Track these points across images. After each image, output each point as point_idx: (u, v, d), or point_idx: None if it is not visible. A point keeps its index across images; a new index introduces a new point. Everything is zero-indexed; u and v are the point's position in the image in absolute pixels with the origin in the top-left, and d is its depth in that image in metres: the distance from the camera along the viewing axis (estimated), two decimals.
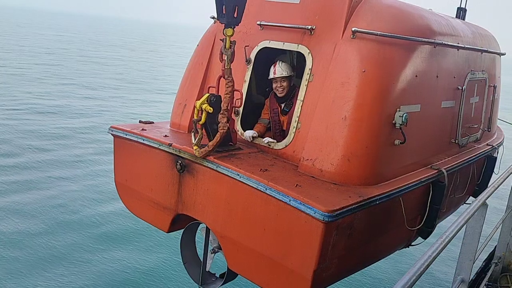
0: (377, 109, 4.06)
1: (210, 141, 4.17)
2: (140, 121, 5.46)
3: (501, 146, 7.26)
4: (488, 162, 6.83)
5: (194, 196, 4.37)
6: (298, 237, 3.58)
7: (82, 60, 40.48)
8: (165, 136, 4.77)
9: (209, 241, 4.77)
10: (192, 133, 4.28)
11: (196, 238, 5.13)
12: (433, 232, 5.16)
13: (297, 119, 4.37)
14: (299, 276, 3.61)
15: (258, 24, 4.79)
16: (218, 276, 4.98)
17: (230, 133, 4.39)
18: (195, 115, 4.20)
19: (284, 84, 4.91)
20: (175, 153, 4.43)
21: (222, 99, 4.15)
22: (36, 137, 16.58)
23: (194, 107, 4.25)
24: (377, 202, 3.85)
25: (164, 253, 9.50)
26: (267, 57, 5.06)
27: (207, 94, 4.19)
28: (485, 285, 5.70)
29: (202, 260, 4.91)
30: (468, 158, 5.76)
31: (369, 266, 4.79)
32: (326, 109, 4.13)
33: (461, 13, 7.53)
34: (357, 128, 4.01)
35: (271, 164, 4.21)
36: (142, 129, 4.96)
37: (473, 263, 4.37)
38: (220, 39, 4.17)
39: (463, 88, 5.42)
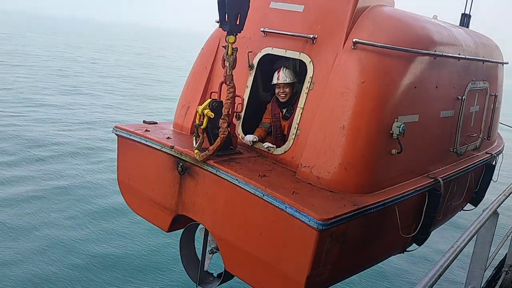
0: (375, 119, 4.14)
1: (211, 145, 4.28)
2: (144, 121, 5.57)
3: (501, 154, 7.32)
4: (487, 170, 6.89)
5: (194, 198, 4.48)
6: (293, 243, 3.68)
7: None
8: (168, 138, 4.88)
9: (208, 242, 4.90)
10: (194, 137, 4.38)
11: (195, 238, 5.26)
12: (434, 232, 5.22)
13: (296, 126, 4.46)
14: (293, 281, 3.72)
15: (261, 31, 4.87)
16: (215, 276, 5.10)
17: (230, 137, 4.48)
18: (197, 120, 4.30)
19: (287, 90, 4.99)
20: (177, 155, 4.53)
21: (224, 104, 4.25)
22: None
23: (196, 111, 4.35)
24: (372, 211, 3.94)
25: None
26: (270, 62, 5.14)
27: (209, 100, 4.28)
28: None
29: (200, 260, 5.03)
30: (466, 166, 5.82)
31: (365, 270, 4.90)
32: (325, 118, 4.22)
33: (465, 19, 7.58)
34: (355, 138, 4.09)
35: (270, 170, 4.31)
36: (146, 130, 5.08)
37: (484, 272, 4.41)
38: (223, 46, 4.26)
39: (463, 98, 5.48)
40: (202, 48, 5.56)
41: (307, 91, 4.44)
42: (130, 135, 5.05)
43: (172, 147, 4.57)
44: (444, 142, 5.43)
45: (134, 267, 9.14)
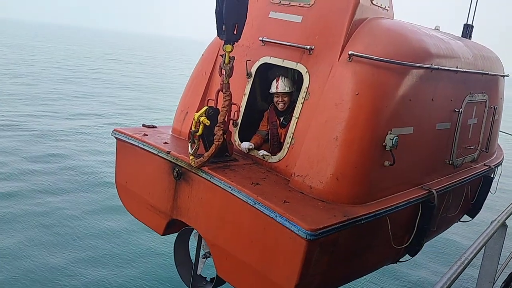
0: (368, 131, 4.18)
1: (206, 151, 4.34)
2: (143, 125, 5.66)
3: (500, 166, 7.31)
4: (485, 182, 6.89)
5: (188, 203, 4.55)
6: (282, 252, 3.73)
7: None
8: (165, 142, 4.96)
9: (201, 246, 4.96)
10: (189, 143, 4.45)
11: (189, 242, 5.32)
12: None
13: (291, 135, 4.52)
14: None
15: (260, 40, 4.93)
16: (208, 280, 5.16)
17: (226, 144, 4.55)
18: (193, 127, 4.37)
19: (286, 99, 5.05)
20: (173, 161, 4.60)
21: (219, 112, 4.32)
22: None
23: (193, 118, 4.42)
24: (362, 222, 3.97)
25: None
26: (269, 70, 5.20)
27: (206, 107, 4.35)
28: None
29: (193, 263, 5.10)
30: (462, 178, 5.83)
31: (354, 280, 4.93)
32: (319, 128, 4.27)
33: (467, 29, 7.58)
34: (348, 149, 4.13)
35: (264, 178, 4.37)
36: (144, 134, 5.15)
37: (493, 285, 4.38)
38: (220, 55, 4.32)
39: (460, 110, 5.50)
40: (203, 55, 5.63)
41: (302, 101, 4.49)
42: (128, 139, 5.13)
43: (168, 152, 4.64)
44: (439, 154, 5.45)
45: None
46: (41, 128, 19.07)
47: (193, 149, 4.35)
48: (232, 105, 4.40)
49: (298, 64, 4.59)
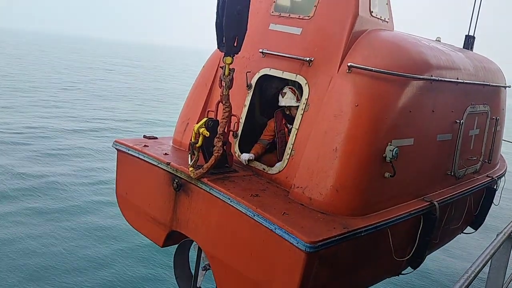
0: (367, 143, 4.17)
1: (206, 163, 4.34)
2: (144, 136, 5.67)
3: (502, 178, 7.26)
4: (487, 193, 6.83)
5: (187, 214, 4.53)
6: (281, 265, 3.70)
7: None
8: (165, 154, 4.96)
9: (201, 258, 4.92)
10: (189, 155, 4.45)
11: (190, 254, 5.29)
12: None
13: (291, 146, 4.51)
14: None
15: (260, 52, 4.96)
16: None
17: (226, 156, 4.54)
18: (192, 138, 4.37)
19: (293, 112, 4.98)
20: (173, 172, 4.60)
21: (219, 123, 4.32)
22: None
23: (193, 130, 4.43)
24: (362, 234, 3.94)
25: None
26: (266, 82, 5.20)
27: (206, 119, 4.36)
28: None
29: (193, 276, 5.06)
30: (464, 190, 5.79)
31: None
32: (318, 140, 4.26)
33: (469, 40, 7.59)
34: (347, 160, 4.12)
35: (263, 189, 4.35)
36: (144, 145, 5.16)
37: None
38: (220, 66, 4.35)
39: (461, 121, 5.48)
40: (204, 66, 5.66)
41: (302, 113, 4.50)
42: (128, 150, 5.13)
43: (168, 164, 4.64)
44: (441, 166, 5.42)
45: None
46: None
47: (193, 161, 4.35)
48: (232, 117, 4.41)
49: (298, 75, 4.60)
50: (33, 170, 14.47)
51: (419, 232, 4.88)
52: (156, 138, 5.70)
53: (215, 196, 4.18)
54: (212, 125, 4.34)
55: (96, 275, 9.01)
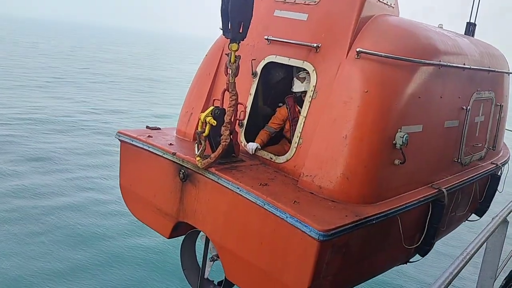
0: (377, 129, 4.11)
1: (213, 152, 4.26)
2: (147, 127, 5.58)
3: (506, 165, 7.25)
4: (492, 180, 6.82)
5: (195, 205, 4.46)
6: (293, 254, 3.65)
7: None
8: (170, 144, 4.88)
9: (209, 249, 4.87)
10: (196, 144, 4.37)
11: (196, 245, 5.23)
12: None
13: (299, 135, 4.44)
14: None
15: (265, 39, 4.87)
16: (216, 283, 5.07)
17: (233, 145, 4.47)
18: (199, 127, 4.29)
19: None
20: (179, 162, 4.52)
21: (226, 112, 4.24)
22: None
23: (199, 118, 4.35)
24: (374, 222, 3.90)
25: None
26: (269, 72, 5.11)
27: (212, 107, 4.28)
28: None
29: (201, 267, 5.01)
30: (471, 177, 5.77)
31: (365, 281, 4.84)
32: (327, 127, 4.19)
33: (470, 28, 7.53)
34: (357, 147, 4.06)
35: (272, 178, 4.29)
36: (148, 136, 5.07)
37: (494, 281, 4.35)
38: (226, 54, 4.26)
39: (468, 108, 5.43)
40: (206, 55, 5.56)
41: (310, 100, 4.42)
42: (132, 141, 5.05)
43: (174, 154, 4.57)
44: (448, 152, 5.38)
45: None
46: None
47: (200, 150, 4.27)
48: (238, 105, 4.33)
49: (305, 62, 4.52)
50: None
51: (428, 219, 4.85)
52: (160, 128, 5.61)
53: (224, 186, 4.11)
54: (218, 113, 4.26)
55: None
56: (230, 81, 4.23)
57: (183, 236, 5.09)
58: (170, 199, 4.70)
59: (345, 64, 4.25)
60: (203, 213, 4.40)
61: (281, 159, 4.58)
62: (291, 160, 4.49)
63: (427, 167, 4.95)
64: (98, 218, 11.38)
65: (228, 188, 4.07)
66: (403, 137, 4.14)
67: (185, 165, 4.48)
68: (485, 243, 3.84)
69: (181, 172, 4.52)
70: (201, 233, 4.82)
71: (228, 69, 4.21)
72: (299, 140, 4.43)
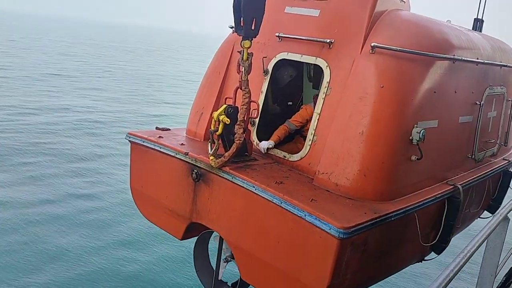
0: (394, 125, 4.04)
1: (226, 151, 4.20)
2: (156, 128, 5.52)
3: None
4: (504, 176, 6.75)
5: (208, 205, 4.40)
6: (312, 252, 3.58)
7: None
8: (182, 144, 4.82)
9: (222, 250, 4.80)
10: (209, 143, 4.31)
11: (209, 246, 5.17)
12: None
13: (313, 132, 4.38)
14: None
15: (277, 36, 4.81)
16: (230, 285, 5.00)
17: (246, 143, 4.41)
18: (212, 126, 4.23)
19: None
20: (191, 162, 4.46)
21: (239, 110, 4.18)
22: None
23: (211, 116, 4.29)
24: (392, 219, 3.83)
25: None
26: (282, 68, 5.06)
27: (225, 105, 4.22)
28: None
29: (214, 268, 4.94)
30: (484, 173, 5.70)
31: (382, 280, 4.77)
32: (343, 123, 4.13)
33: (478, 24, 7.47)
34: (374, 143, 4.00)
35: (286, 176, 4.23)
36: (159, 137, 5.02)
37: (495, 278, 4.30)
38: (238, 51, 4.20)
39: (481, 103, 5.37)
40: (216, 54, 5.51)
41: (324, 97, 4.36)
42: (143, 142, 4.99)
43: (186, 154, 4.51)
44: (462, 148, 5.32)
45: None
46: None
47: (213, 149, 4.22)
48: (251, 103, 4.27)
49: (318, 58, 4.47)
50: None
51: (444, 216, 4.78)
52: (169, 129, 5.56)
53: (238, 185, 4.05)
54: (232, 112, 4.20)
55: None
56: (243, 79, 4.18)
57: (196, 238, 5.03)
58: (182, 200, 4.64)
59: (360, 59, 4.19)
60: (217, 213, 4.34)
61: (295, 157, 4.52)
62: (305, 158, 4.42)
63: (442, 163, 4.88)
64: None
65: (243, 187, 4.00)
66: (420, 133, 4.08)
67: (198, 165, 4.41)
68: (486, 241, 3.78)
69: (193, 172, 4.46)
70: (215, 233, 4.75)
71: (241, 67, 4.16)
72: (313, 138, 4.37)
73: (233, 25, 4.25)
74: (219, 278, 4.94)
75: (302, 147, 4.53)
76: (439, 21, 4.99)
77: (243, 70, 4.16)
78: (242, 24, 4.04)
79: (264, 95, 4.88)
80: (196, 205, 4.52)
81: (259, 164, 4.46)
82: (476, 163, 5.72)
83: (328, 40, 4.39)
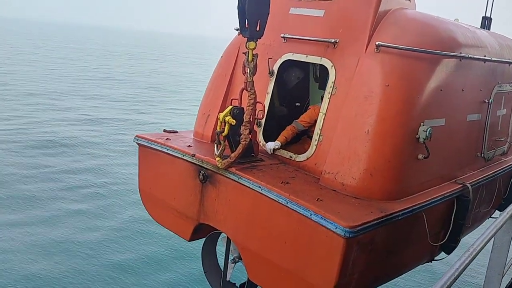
0: (400, 124, 4.03)
1: (232, 152, 4.23)
2: (164, 130, 5.57)
3: None
4: None
5: (215, 206, 4.42)
6: (318, 252, 3.58)
7: None
8: (189, 146, 4.86)
9: (230, 251, 4.82)
10: (215, 144, 4.34)
11: (217, 247, 5.19)
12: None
13: (319, 132, 4.38)
14: None
15: (281, 37, 4.83)
16: (238, 286, 5.01)
17: (252, 144, 4.43)
18: (218, 127, 4.26)
19: None
20: (198, 163, 4.50)
21: (245, 111, 4.21)
22: None
23: (218, 118, 4.32)
24: (399, 218, 3.81)
25: None
26: (288, 70, 5.08)
27: (230, 107, 4.25)
28: None
29: (222, 269, 4.96)
30: (494, 172, 5.64)
31: (391, 280, 4.74)
32: (348, 123, 4.13)
33: (486, 22, 7.41)
34: (380, 143, 3.99)
35: (292, 177, 4.23)
36: (167, 139, 5.06)
37: (502, 278, 4.25)
38: (243, 52, 4.23)
39: (490, 101, 5.32)
40: (222, 56, 5.55)
41: (329, 96, 4.36)
42: (151, 144, 5.04)
43: (193, 155, 4.54)
44: (471, 147, 5.27)
45: None
46: None
47: (219, 150, 4.24)
48: (257, 104, 4.29)
49: (323, 58, 4.48)
50: None
51: (453, 215, 4.74)
52: (177, 132, 5.61)
53: (245, 186, 4.06)
54: (237, 113, 4.23)
55: None
56: (248, 80, 4.20)
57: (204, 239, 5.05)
58: (190, 201, 4.67)
59: (365, 58, 4.19)
60: (224, 214, 4.36)
61: (301, 157, 4.52)
62: (311, 158, 4.43)
63: (450, 162, 4.84)
64: None
65: (249, 187, 4.02)
66: (426, 131, 4.06)
67: (204, 166, 4.44)
68: (493, 239, 3.74)
69: (201, 174, 4.49)
70: (222, 234, 4.77)
71: (246, 68, 4.19)
72: (319, 137, 4.37)
73: (238, 27, 4.28)
74: (227, 279, 4.96)
75: (308, 147, 4.54)
76: (445, 19, 4.96)
77: (248, 71, 4.18)
78: (247, 26, 4.08)
79: (270, 96, 4.90)
80: (204, 206, 4.55)
81: (265, 164, 4.48)
82: (485, 162, 5.66)
83: (333, 40, 4.40)
